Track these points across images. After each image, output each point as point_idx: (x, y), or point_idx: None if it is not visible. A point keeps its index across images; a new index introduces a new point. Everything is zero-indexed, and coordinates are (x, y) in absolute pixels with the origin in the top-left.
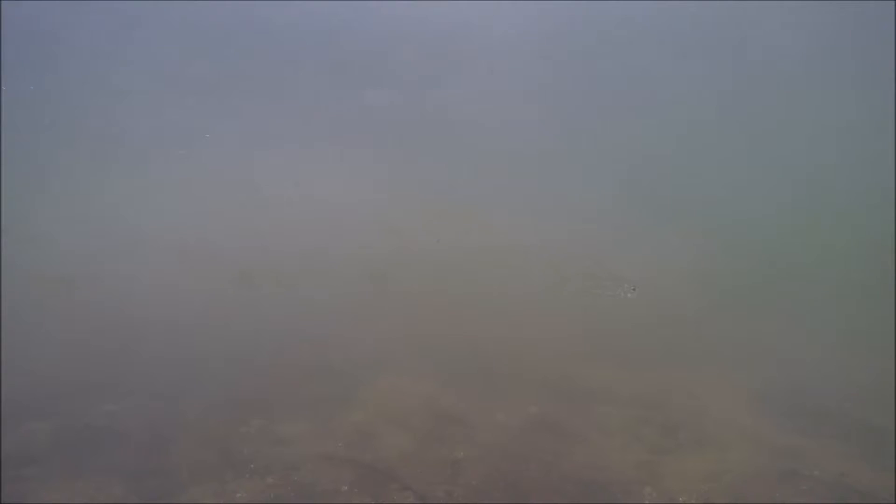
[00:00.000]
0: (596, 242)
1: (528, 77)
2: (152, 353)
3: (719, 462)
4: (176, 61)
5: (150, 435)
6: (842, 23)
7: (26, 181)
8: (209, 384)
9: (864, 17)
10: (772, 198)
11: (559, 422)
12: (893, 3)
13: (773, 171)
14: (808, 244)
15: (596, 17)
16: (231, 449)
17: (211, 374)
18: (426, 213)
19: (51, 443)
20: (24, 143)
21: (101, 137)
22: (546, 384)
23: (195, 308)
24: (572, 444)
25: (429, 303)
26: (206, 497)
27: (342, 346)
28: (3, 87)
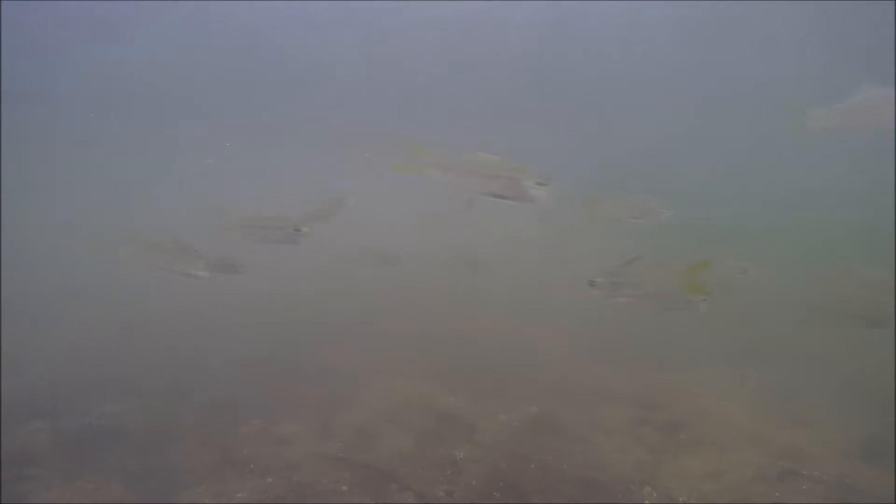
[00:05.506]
0: (596, 240)
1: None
2: (152, 352)
3: (719, 462)
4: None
5: (150, 435)
6: (841, 22)
7: (26, 182)
8: (209, 384)
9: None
10: (770, 197)
11: (559, 422)
12: (893, 3)
13: (772, 170)
14: (808, 243)
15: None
16: (231, 449)
17: (211, 374)
18: (426, 211)
19: (51, 443)
20: (24, 143)
21: (104, 138)
22: (546, 384)
23: (195, 308)
24: (572, 444)
25: (429, 302)
26: (206, 497)
27: (342, 346)
28: (3, 88)
